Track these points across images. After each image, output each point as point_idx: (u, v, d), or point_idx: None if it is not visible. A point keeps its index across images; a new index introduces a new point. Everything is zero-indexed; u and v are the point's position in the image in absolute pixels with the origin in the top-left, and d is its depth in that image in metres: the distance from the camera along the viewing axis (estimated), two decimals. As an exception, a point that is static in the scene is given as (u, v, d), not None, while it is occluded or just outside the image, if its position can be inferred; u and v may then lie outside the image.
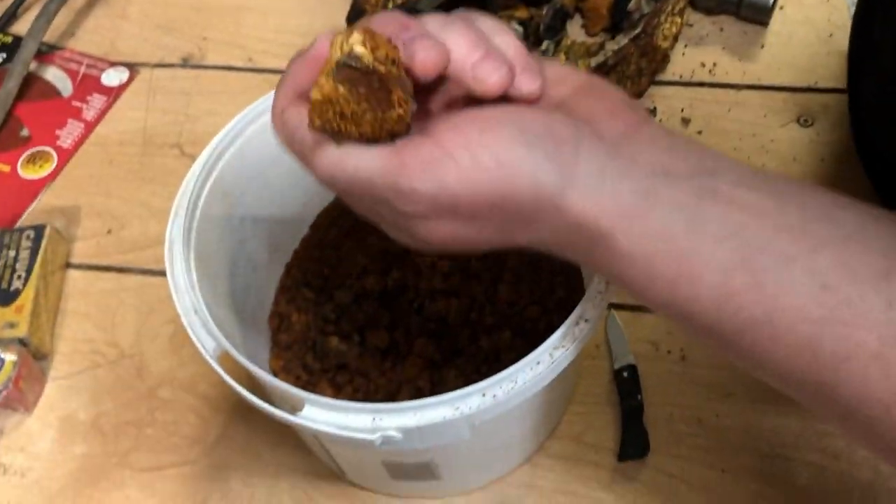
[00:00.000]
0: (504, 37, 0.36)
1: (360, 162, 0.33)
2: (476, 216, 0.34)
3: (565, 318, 0.41)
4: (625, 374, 0.55)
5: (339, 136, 0.33)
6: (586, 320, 0.41)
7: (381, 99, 0.32)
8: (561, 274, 0.56)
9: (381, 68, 0.31)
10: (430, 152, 0.33)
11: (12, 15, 0.80)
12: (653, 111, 0.68)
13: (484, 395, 0.39)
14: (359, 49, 0.31)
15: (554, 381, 0.41)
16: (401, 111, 0.33)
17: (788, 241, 0.31)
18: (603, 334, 0.58)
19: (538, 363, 0.40)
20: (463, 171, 0.32)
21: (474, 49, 0.34)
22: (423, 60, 0.33)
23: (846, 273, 0.31)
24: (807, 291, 0.31)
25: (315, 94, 0.32)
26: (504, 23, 0.37)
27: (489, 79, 0.34)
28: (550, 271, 0.56)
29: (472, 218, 0.34)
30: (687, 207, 0.33)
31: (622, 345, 0.57)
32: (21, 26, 0.79)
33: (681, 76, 0.71)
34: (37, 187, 0.69)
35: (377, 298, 0.57)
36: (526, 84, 0.35)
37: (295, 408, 0.40)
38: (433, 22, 0.35)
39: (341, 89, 0.31)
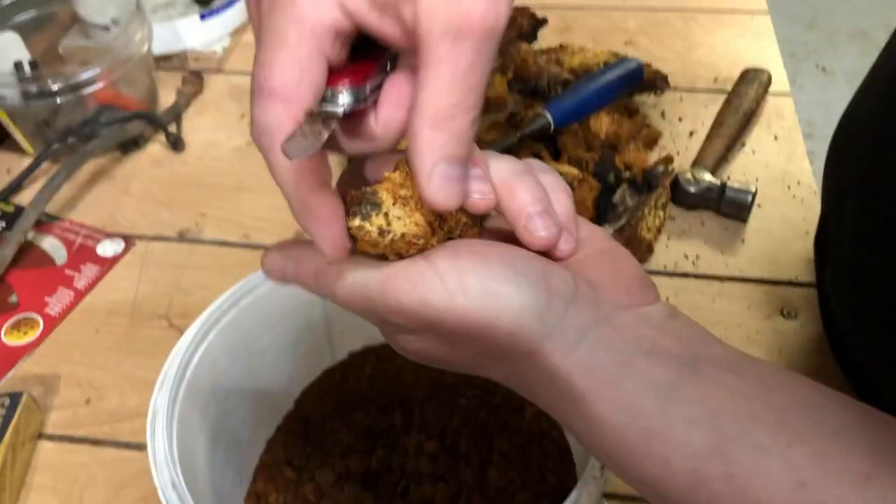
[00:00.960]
0: (559, 195, 0.37)
1: (357, 277, 0.35)
2: (454, 341, 0.35)
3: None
4: (618, 569, 0.52)
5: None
6: (581, 507, 0.40)
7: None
8: (552, 458, 0.54)
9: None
10: (422, 272, 0.34)
11: (17, 186, 0.82)
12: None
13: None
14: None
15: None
16: (421, 242, 0.35)
17: (765, 432, 0.31)
18: None
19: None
20: (448, 294, 0.33)
21: (536, 203, 0.36)
22: (476, 204, 0.35)
23: (825, 472, 0.30)
24: (783, 487, 0.30)
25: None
26: (562, 180, 0.39)
27: (538, 233, 0.35)
28: (541, 455, 0.55)
29: (450, 342, 0.35)
30: (662, 386, 0.33)
31: (615, 537, 0.54)
32: (25, 197, 0.82)
33: (665, 266, 0.73)
34: (18, 354, 0.68)
35: (360, 480, 0.55)
36: (562, 244, 0.37)
37: None
38: (504, 165, 0.36)
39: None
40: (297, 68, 0.32)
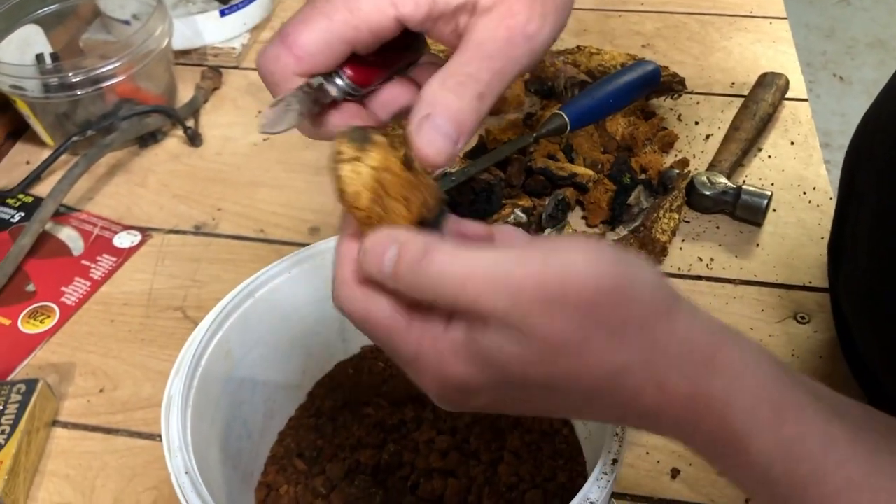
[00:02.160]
0: None
1: (479, 259, 0.32)
2: (593, 314, 0.31)
3: (567, 504, 0.40)
4: (626, 568, 0.52)
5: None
6: (592, 502, 0.40)
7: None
8: (563, 457, 0.54)
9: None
10: (544, 244, 0.33)
11: (36, 177, 0.83)
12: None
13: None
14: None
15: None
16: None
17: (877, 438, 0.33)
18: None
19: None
20: (590, 258, 0.31)
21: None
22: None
23: None
24: None
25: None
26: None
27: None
28: (552, 454, 0.55)
29: (588, 315, 0.31)
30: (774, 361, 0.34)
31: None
32: (43, 188, 0.82)
33: (679, 269, 0.73)
34: (34, 342, 0.69)
35: (370, 473, 0.55)
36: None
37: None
38: None
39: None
40: (326, 44, 0.34)
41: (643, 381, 0.33)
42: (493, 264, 0.31)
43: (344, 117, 0.38)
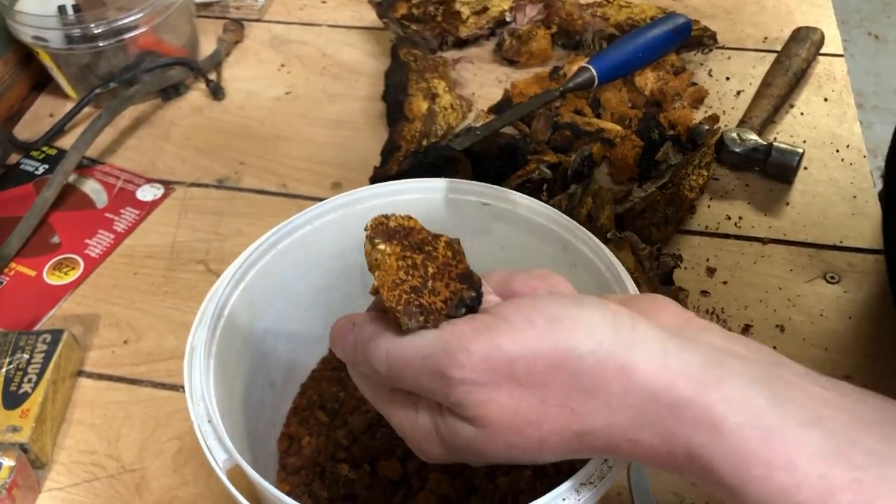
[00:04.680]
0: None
1: (415, 339, 0.34)
2: (535, 381, 0.32)
3: (588, 461, 0.39)
4: (648, 525, 0.52)
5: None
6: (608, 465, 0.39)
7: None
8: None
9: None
10: (483, 320, 0.33)
11: (59, 130, 0.83)
12: (678, 258, 0.69)
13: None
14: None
15: (578, 523, 0.39)
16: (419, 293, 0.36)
17: (874, 439, 0.29)
18: (625, 481, 0.55)
19: (563, 500, 0.38)
20: (517, 330, 0.32)
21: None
22: None
23: None
24: None
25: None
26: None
27: None
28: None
29: (531, 384, 0.32)
30: (761, 383, 0.31)
31: (646, 495, 0.54)
32: (67, 140, 0.82)
33: (707, 227, 0.71)
34: (59, 293, 0.69)
35: (392, 427, 0.55)
36: None
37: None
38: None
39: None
40: None
41: (612, 442, 0.33)
42: (424, 349, 0.33)
43: None
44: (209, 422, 0.42)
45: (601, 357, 0.31)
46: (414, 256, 0.36)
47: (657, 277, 0.62)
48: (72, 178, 0.78)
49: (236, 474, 0.40)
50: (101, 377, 0.64)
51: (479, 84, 0.88)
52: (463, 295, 0.36)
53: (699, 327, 0.35)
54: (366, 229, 0.36)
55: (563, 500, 0.38)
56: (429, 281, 0.36)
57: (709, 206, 0.73)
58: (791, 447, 0.29)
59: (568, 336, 0.32)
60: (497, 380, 0.32)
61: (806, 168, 0.75)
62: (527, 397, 0.32)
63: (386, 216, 0.37)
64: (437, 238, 0.38)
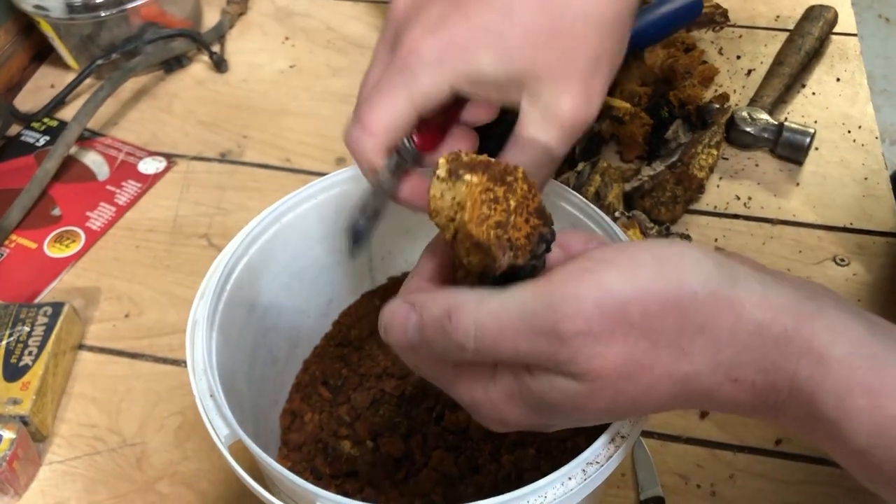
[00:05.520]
0: None
1: (507, 298, 0.31)
2: (649, 324, 0.30)
3: (594, 441, 0.39)
4: (652, 506, 0.52)
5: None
6: (623, 437, 0.39)
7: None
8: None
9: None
10: (580, 265, 0.31)
11: (60, 101, 0.82)
12: (686, 238, 0.68)
13: (509, 508, 0.36)
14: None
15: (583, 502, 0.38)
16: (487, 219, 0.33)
17: None
18: (630, 462, 0.55)
19: (570, 479, 0.38)
20: (625, 270, 0.30)
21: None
22: None
23: None
24: None
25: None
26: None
27: None
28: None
29: (645, 326, 0.30)
30: (853, 312, 0.31)
31: (650, 475, 0.54)
32: (68, 112, 0.81)
33: (715, 207, 0.71)
34: (60, 266, 0.68)
35: (395, 404, 0.55)
36: None
37: (306, 506, 0.37)
38: None
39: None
40: (392, 119, 0.39)
41: (715, 382, 0.31)
42: (522, 308, 0.30)
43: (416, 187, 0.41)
44: (211, 396, 0.41)
45: (712, 291, 0.30)
46: (496, 189, 0.33)
47: (665, 257, 0.62)
48: (73, 150, 0.77)
49: (238, 449, 0.40)
50: (102, 351, 0.63)
51: (486, 60, 0.86)
52: (542, 231, 0.34)
53: (756, 266, 0.34)
54: (437, 167, 0.33)
55: (570, 478, 0.37)
56: (511, 216, 0.33)
57: (718, 186, 0.72)
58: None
59: (678, 273, 0.30)
60: (611, 328, 0.30)
61: (817, 149, 0.74)
62: (640, 341, 0.30)
63: (458, 150, 0.34)
64: (516, 168, 0.34)
